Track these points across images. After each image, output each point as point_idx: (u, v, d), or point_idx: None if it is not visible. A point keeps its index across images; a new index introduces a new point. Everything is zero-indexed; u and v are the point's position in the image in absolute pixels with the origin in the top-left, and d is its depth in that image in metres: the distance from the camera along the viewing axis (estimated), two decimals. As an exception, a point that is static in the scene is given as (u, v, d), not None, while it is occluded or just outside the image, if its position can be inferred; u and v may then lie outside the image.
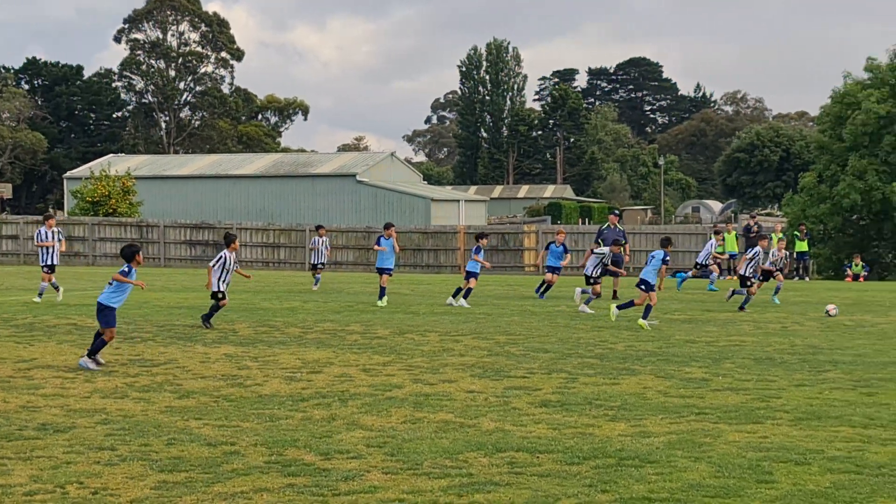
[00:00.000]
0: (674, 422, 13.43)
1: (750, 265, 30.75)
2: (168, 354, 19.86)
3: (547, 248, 35.55)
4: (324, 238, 40.09)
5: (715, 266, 41.23)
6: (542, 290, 35.12)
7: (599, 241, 34.55)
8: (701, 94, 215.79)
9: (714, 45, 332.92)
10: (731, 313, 29.62)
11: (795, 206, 63.13)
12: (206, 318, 24.64)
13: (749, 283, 30.57)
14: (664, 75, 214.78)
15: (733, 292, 32.80)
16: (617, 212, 38.54)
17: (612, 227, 35.45)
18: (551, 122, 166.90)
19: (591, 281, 30.91)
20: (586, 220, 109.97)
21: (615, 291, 34.85)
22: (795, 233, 56.29)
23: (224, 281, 24.60)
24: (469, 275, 32.60)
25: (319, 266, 39.77)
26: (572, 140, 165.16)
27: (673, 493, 9.95)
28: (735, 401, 15.00)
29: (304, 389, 15.91)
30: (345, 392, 15.65)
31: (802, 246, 55.91)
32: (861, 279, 52.59)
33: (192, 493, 10.02)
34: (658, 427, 13.09)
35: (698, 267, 41.51)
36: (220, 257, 24.66)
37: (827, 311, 28.78)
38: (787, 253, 43.80)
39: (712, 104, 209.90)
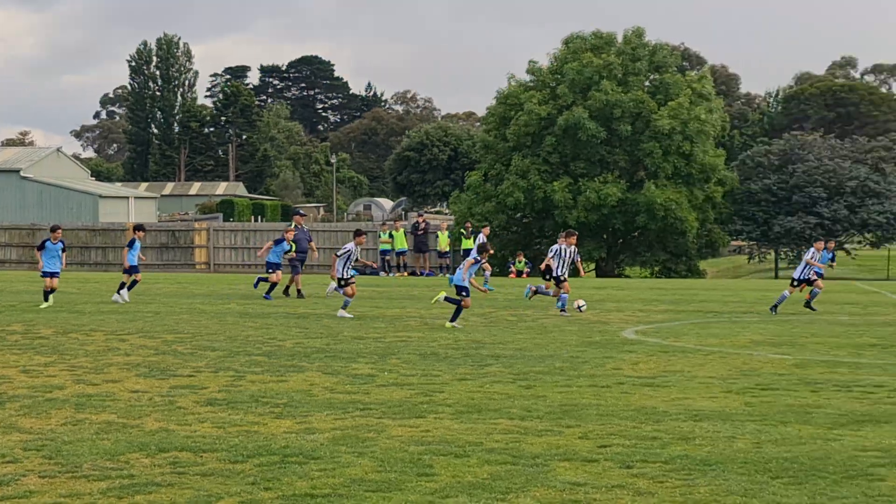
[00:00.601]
0: (339, 418, 13.56)
1: (563, 265, 30.06)
2: None
3: (277, 242, 35.03)
4: None
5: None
6: (269, 291, 34.48)
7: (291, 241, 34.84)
8: (372, 93, 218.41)
9: (384, 46, 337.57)
10: (399, 310, 30.06)
11: (462, 205, 64.61)
12: None
13: (562, 281, 29.96)
14: (336, 74, 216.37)
15: (536, 290, 32.19)
16: (302, 212, 38.78)
17: (299, 227, 35.62)
18: (223, 118, 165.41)
19: (344, 283, 28.65)
20: (259, 217, 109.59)
21: (294, 288, 34.91)
22: (461, 231, 57.68)
23: None
24: (131, 269, 32.01)
25: None
26: (245, 137, 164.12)
27: (335, 488, 10.04)
28: (399, 396, 15.26)
29: (-41, 393, 15.32)
30: (2, 394, 15.13)
31: (468, 244, 57.26)
32: (524, 275, 54.28)
33: None
34: (323, 423, 13.18)
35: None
36: None
37: (578, 308, 29.41)
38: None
39: (383, 103, 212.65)
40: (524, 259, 56.28)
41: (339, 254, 28.91)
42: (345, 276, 28.51)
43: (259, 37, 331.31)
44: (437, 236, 58.86)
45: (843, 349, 21.84)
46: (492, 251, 27.38)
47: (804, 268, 31.83)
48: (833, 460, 11.29)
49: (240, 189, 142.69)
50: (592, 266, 66.41)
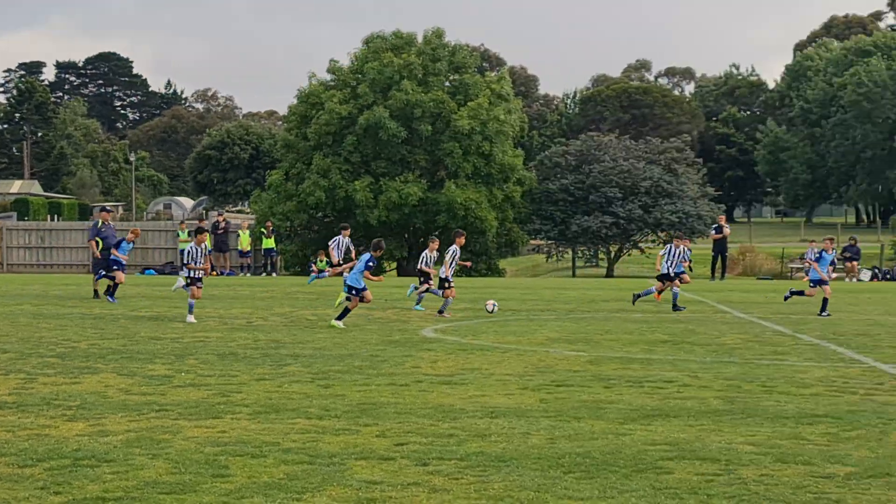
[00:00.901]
0: (134, 419, 13.34)
1: (451, 267, 29.68)
2: None
3: (118, 245, 33.96)
4: None
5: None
6: (112, 292, 33.33)
7: (97, 239, 34.16)
8: (172, 90, 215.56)
9: (184, 43, 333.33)
10: (198, 310, 29.72)
11: (263, 204, 64.25)
12: None
13: (448, 286, 29.55)
14: (135, 71, 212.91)
15: (420, 295, 31.67)
16: (109, 208, 38.70)
17: (107, 224, 35.18)
18: (17, 115, 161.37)
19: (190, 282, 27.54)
20: (56, 216, 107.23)
21: (93, 288, 34.39)
22: (262, 230, 57.46)
23: None
24: None
25: None
26: (40, 134, 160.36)
27: (128, 491, 9.88)
28: (196, 396, 15.09)
29: None
30: None
31: (269, 243, 57.22)
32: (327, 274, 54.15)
33: None
34: (117, 425, 12.96)
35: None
36: None
37: (490, 308, 29.30)
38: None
39: (183, 101, 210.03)
40: (325, 258, 56.17)
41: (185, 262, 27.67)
42: (192, 275, 27.41)
43: (54, 32, 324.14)
44: (238, 235, 58.46)
45: (636, 346, 22.37)
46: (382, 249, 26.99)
47: (670, 265, 32.32)
48: (624, 454, 11.55)
49: (35, 187, 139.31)
50: (394, 265, 66.68)
